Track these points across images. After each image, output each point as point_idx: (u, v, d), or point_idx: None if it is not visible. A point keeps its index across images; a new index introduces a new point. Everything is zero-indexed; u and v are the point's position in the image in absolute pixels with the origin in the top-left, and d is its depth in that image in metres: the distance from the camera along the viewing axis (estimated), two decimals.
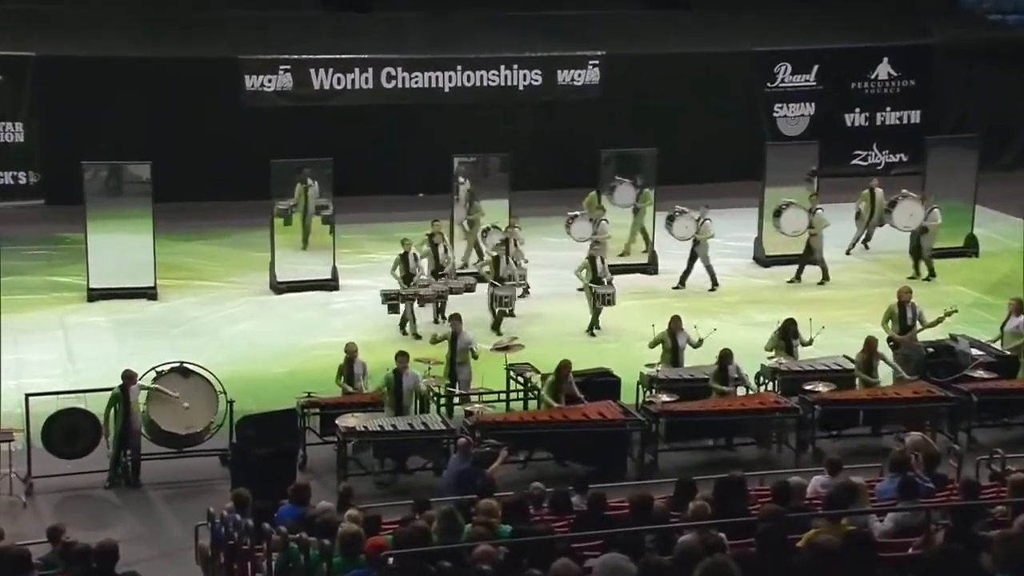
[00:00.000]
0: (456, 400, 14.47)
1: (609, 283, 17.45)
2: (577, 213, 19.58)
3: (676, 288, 19.35)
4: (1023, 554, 6.48)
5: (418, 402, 14.06)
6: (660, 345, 14.84)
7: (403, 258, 17.57)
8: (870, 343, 14.56)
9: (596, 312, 17.27)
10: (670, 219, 19.71)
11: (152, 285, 18.85)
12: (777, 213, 20.01)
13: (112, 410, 13.20)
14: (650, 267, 20.28)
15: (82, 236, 19.03)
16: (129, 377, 13.29)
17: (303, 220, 20.24)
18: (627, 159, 21.25)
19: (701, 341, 14.87)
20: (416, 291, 17.24)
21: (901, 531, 9.00)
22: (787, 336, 15.08)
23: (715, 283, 19.37)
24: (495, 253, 17.90)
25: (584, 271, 17.49)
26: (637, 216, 20.61)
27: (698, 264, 19.36)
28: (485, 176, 21.01)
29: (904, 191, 20.13)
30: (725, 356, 14.22)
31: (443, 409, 14.26)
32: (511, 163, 20.59)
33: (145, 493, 13.15)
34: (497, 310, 17.42)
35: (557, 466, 13.44)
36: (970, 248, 21.11)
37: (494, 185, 20.77)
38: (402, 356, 13.68)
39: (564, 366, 13.86)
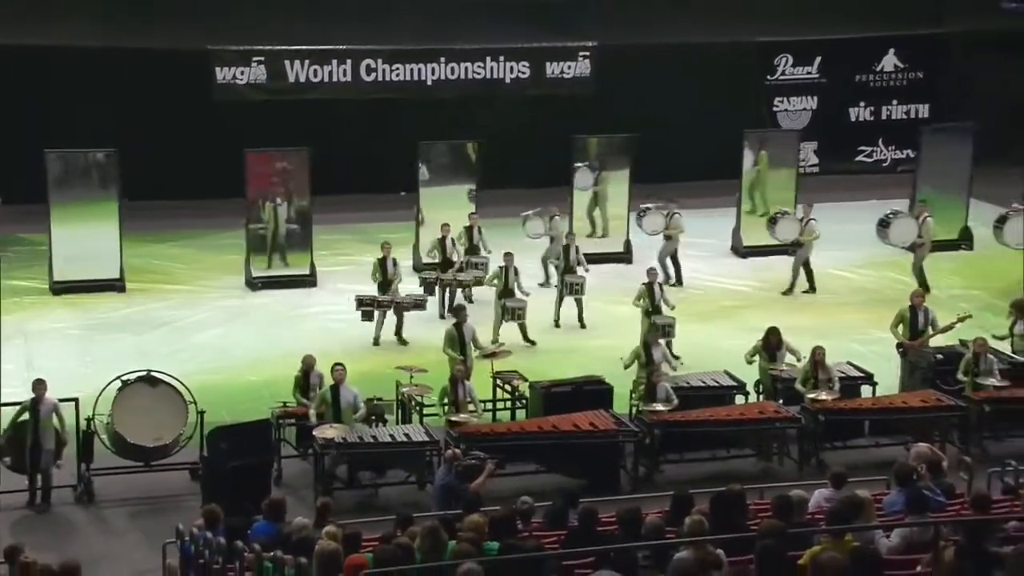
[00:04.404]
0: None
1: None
2: (650, 206, 20.22)
3: (785, 294, 19.35)
4: None
5: (401, 413, 14.05)
6: (636, 361, 14.78)
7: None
8: (815, 353, 14.34)
9: (521, 327, 17.02)
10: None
11: (119, 277, 18.97)
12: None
13: (17, 420, 13.02)
14: (626, 256, 20.48)
15: (42, 237, 19.03)
16: (40, 387, 13.05)
17: (272, 240, 19.84)
18: (605, 145, 21.66)
19: (676, 368, 14.96)
20: (392, 298, 17.23)
21: (909, 547, 9.01)
22: (769, 347, 15.04)
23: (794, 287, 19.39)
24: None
25: (496, 280, 17.37)
26: (596, 199, 21.16)
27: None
28: (453, 167, 21.09)
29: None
30: (652, 374, 14.16)
31: (425, 419, 14.25)
32: (480, 152, 20.75)
33: (110, 510, 13.10)
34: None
35: (547, 479, 13.43)
36: (964, 241, 21.40)
37: (461, 175, 20.89)
38: (338, 368, 13.60)
39: (453, 376, 13.84)
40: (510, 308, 17.17)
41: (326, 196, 20.75)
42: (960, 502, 10.26)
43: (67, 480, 13.21)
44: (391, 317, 17.29)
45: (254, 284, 19.37)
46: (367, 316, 17.17)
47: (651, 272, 17.11)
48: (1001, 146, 25.45)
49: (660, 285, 16.98)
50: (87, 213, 19.24)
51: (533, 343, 17.21)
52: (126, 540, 12.55)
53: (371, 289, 17.64)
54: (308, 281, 19.58)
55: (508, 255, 17.67)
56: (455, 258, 18.71)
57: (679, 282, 19.57)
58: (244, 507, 10.97)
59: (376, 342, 17.18)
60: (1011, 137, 25.83)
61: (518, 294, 17.49)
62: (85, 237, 19.04)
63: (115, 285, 18.97)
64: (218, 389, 15.38)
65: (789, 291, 19.47)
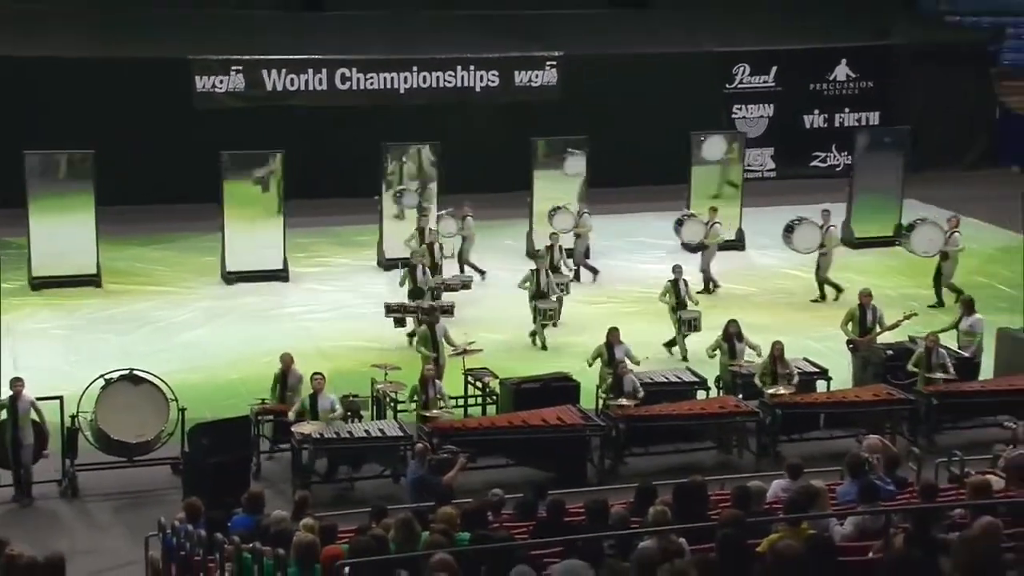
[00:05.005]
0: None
1: (574, 284, 17.69)
2: (560, 205, 20.21)
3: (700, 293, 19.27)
4: (982, 558, 6.56)
5: (375, 409, 14.03)
6: (600, 359, 14.78)
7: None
8: (774, 348, 14.43)
9: (541, 328, 17.02)
10: (679, 223, 20.42)
11: (95, 272, 18.98)
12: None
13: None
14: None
15: (24, 240, 18.90)
16: (16, 385, 12.90)
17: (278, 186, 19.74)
18: (558, 147, 21.74)
19: (639, 363, 14.90)
20: (420, 304, 16.88)
21: (861, 535, 9.08)
22: (729, 339, 15.14)
23: (709, 287, 19.34)
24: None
25: (528, 283, 17.36)
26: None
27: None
28: (419, 170, 21.10)
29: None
30: (620, 367, 14.18)
31: (399, 415, 14.23)
32: (440, 154, 20.77)
33: (94, 504, 13.01)
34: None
35: (517, 472, 13.43)
36: (898, 237, 21.71)
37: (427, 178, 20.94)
38: (318, 377, 13.52)
39: (423, 376, 13.81)
40: (542, 309, 17.12)
41: (301, 199, 20.70)
42: (909, 491, 10.35)
43: (52, 475, 13.12)
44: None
45: (229, 279, 19.38)
46: (399, 323, 16.80)
47: (676, 269, 17.13)
48: (946, 151, 25.75)
49: (685, 281, 16.98)
50: (64, 209, 19.14)
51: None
52: (110, 533, 12.47)
53: (352, 292, 17.59)
54: (281, 276, 19.58)
55: (540, 259, 17.65)
56: (441, 262, 18.56)
57: (577, 277, 19.57)
58: (224, 501, 10.92)
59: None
60: (953, 142, 26.13)
61: (551, 295, 17.41)
62: (63, 233, 18.96)
63: (92, 280, 18.93)
64: (198, 387, 15.31)
65: (714, 289, 19.45)
